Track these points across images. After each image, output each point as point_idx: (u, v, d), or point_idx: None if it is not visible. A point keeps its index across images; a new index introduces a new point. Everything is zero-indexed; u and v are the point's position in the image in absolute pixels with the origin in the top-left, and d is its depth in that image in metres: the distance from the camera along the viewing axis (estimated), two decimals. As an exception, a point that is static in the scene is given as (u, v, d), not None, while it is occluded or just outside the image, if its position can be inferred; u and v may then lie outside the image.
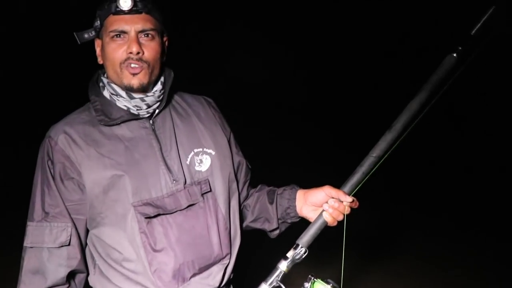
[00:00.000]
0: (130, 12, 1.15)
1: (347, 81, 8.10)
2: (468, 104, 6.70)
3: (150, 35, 1.18)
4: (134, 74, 1.17)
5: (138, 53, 1.15)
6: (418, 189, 5.51)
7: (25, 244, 1.17)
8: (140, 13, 1.17)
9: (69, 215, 1.17)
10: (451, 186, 5.58)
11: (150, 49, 1.18)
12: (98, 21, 1.19)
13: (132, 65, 1.16)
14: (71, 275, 1.21)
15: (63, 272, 1.17)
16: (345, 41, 8.08)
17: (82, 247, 1.22)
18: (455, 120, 6.99)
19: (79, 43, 1.23)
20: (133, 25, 1.16)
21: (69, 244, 1.17)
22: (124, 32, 1.16)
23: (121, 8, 1.14)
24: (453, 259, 3.90)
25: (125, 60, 1.16)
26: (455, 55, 1.20)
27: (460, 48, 1.20)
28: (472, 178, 5.72)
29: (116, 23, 1.16)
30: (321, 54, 8.15)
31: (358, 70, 8.06)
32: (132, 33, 1.16)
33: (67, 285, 1.19)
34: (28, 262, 1.16)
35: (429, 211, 4.92)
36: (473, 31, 1.19)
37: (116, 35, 1.16)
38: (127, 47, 1.16)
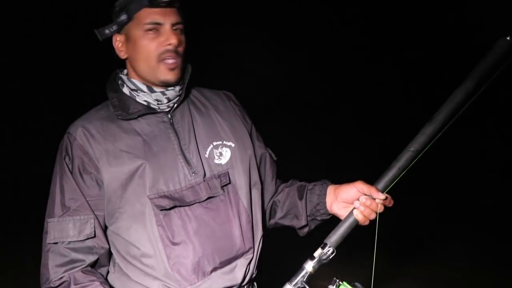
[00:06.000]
0: (167, 5, 1.15)
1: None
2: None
3: (180, 29, 1.18)
4: (171, 69, 1.17)
5: (177, 45, 1.15)
6: (454, 192, 5.28)
7: (48, 241, 1.15)
8: (173, 7, 1.17)
9: (90, 207, 1.17)
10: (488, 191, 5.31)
11: (182, 43, 1.19)
12: (125, 15, 1.17)
13: (170, 61, 1.16)
14: (96, 267, 1.20)
15: (92, 259, 1.16)
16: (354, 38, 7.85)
17: (107, 239, 1.20)
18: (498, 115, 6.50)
19: (100, 39, 1.21)
20: (168, 17, 1.16)
21: (94, 236, 1.16)
22: (159, 24, 1.15)
23: (163, 0, 1.14)
24: (486, 271, 3.69)
25: (162, 53, 1.16)
26: (508, 38, 1.10)
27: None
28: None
29: (151, 16, 1.15)
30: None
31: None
32: (168, 26, 1.16)
33: (95, 277, 1.16)
34: (55, 258, 1.14)
35: (463, 219, 4.70)
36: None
37: (152, 28, 1.15)
38: (164, 40, 1.15)
